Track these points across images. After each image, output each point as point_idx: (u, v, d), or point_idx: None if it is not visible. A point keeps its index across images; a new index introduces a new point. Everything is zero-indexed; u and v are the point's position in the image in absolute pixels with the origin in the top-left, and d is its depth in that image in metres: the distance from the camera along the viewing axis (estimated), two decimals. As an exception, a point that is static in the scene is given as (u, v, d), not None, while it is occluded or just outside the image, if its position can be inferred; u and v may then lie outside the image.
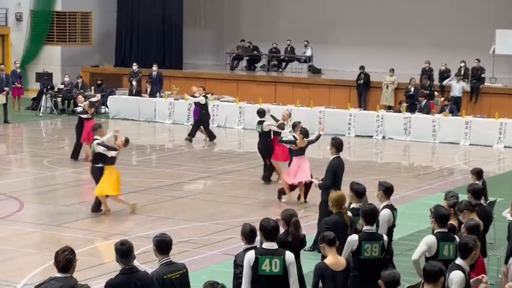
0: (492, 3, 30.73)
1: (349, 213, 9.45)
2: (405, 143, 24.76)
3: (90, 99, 21.16)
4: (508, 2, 30.36)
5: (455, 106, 25.90)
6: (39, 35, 34.39)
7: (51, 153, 21.72)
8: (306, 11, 33.96)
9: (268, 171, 17.85)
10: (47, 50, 34.41)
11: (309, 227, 12.55)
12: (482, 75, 27.94)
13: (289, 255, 7.74)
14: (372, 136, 25.39)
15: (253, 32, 34.65)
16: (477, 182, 11.57)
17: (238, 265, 7.87)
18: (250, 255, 7.67)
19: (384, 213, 9.67)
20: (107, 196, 15.08)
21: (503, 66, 29.06)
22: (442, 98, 26.53)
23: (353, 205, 9.84)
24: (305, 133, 15.90)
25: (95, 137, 15.33)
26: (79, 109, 20.61)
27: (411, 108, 26.02)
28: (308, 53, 32.99)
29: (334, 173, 12.29)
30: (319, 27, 33.47)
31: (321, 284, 8.19)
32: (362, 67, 29.04)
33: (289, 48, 33.23)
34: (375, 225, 8.98)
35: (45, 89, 29.77)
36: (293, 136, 16.14)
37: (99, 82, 30.40)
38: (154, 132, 26.81)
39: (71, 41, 34.91)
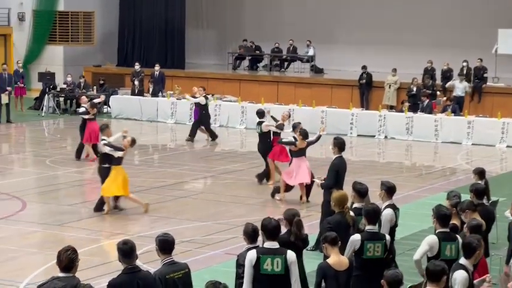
0: (495, 3, 30.69)
1: (352, 213, 9.45)
2: (407, 143, 24.75)
3: (93, 101, 21.22)
4: (510, 1, 30.33)
5: (457, 106, 25.89)
6: (42, 35, 34.41)
7: (54, 152, 21.73)
8: (308, 11, 33.95)
9: (265, 171, 17.82)
10: (50, 50, 34.43)
11: (311, 227, 12.55)
12: (485, 75, 27.92)
13: (290, 255, 7.75)
14: (374, 136, 25.38)
15: (255, 32, 34.65)
16: (479, 182, 11.56)
17: (240, 265, 7.87)
18: (252, 255, 7.67)
19: (386, 213, 9.67)
20: (117, 197, 15.07)
21: (505, 65, 29.02)
22: (445, 98, 26.52)
23: (355, 205, 9.84)
24: (304, 134, 15.92)
25: (102, 138, 15.32)
26: (81, 110, 20.67)
27: (413, 108, 26.01)
28: (310, 52, 32.98)
29: (337, 172, 12.30)
30: (321, 27, 33.46)
31: (323, 284, 8.20)
32: (364, 67, 29.03)
33: (291, 48, 33.22)
34: (377, 224, 8.98)
35: (47, 89, 29.80)
36: (293, 137, 16.15)
37: (102, 82, 30.43)
38: (156, 132, 26.82)
39: (73, 41, 34.94)
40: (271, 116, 18.66)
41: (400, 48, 31.78)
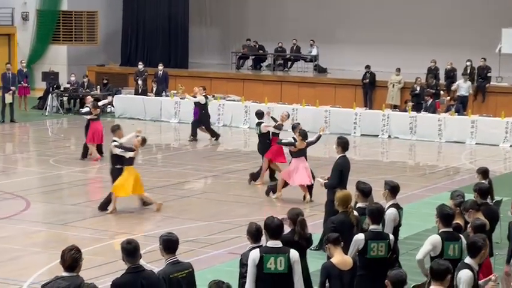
0: (498, 2, 30.67)
1: (355, 213, 9.45)
2: (411, 142, 24.74)
3: (99, 102, 21.38)
4: (514, 1, 30.34)
5: (461, 105, 25.87)
6: (45, 35, 34.45)
7: (58, 152, 21.76)
8: (311, 11, 33.95)
9: (259, 171, 17.83)
10: (53, 49, 34.47)
11: (315, 226, 12.53)
12: (488, 74, 27.90)
13: (293, 253, 7.75)
14: (378, 135, 25.37)
15: (259, 31, 34.66)
16: (483, 181, 11.54)
17: (244, 264, 7.88)
18: (255, 254, 7.68)
19: (390, 212, 9.66)
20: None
21: (509, 65, 28.99)
22: (448, 97, 26.50)
23: (359, 204, 9.83)
24: (304, 135, 15.95)
25: (113, 139, 15.35)
26: (84, 110, 20.78)
27: (417, 108, 25.99)
28: (314, 52, 32.98)
29: (340, 172, 12.29)
30: (325, 27, 33.45)
31: (327, 284, 8.20)
32: (368, 66, 29.02)
33: (295, 48, 33.22)
34: (380, 224, 8.98)
35: (51, 88, 29.82)
36: (292, 138, 16.17)
37: (105, 81, 30.45)
38: (160, 132, 26.83)
39: (77, 40, 34.97)
40: (271, 117, 18.68)
41: (404, 47, 31.76)
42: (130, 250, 7.12)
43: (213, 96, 26.40)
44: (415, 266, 8.66)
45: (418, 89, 27.18)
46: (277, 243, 7.77)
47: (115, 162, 15.19)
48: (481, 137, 24.20)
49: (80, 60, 33.84)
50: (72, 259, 6.78)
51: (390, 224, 9.59)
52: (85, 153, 20.44)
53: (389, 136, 25.33)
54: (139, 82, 29.09)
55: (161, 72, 29.33)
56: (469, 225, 9.01)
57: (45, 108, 29.16)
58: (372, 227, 8.73)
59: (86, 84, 29.66)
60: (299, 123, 17.12)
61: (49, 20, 34.38)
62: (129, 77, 31.73)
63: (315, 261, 9.52)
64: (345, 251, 8.47)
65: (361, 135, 25.46)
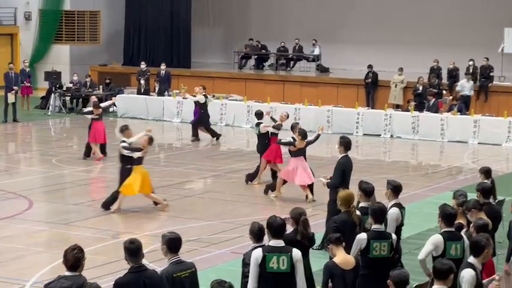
0: (501, 2, 30.64)
1: (358, 212, 9.45)
2: (413, 142, 24.73)
3: (102, 104, 21.49)
4: (517, 0, 30.31)
5: (463, 105, 25.85)
6: (48, 34, 34.47)
7: (60, 152, 21.78)
8: (314, 10, 33.94)
9: (257, 171, 17.84)
10: (56, 49, 34.50)
11: (317, 226, 12.53)
12: (491, 74, 27.88)
13: (296, 252, 7.76)
14: (380, 135, 25.37)
15: (261, 31, 34.66)
16: (486, 181, 11.53)
17: (246, 264, 7.88)
18: (258, 253, 7.68)
19: (392, 212, 9.66)
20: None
21: (512, 64, 29.02)
22: (451, 97, 26.48)
23: (361, 204, 9.83)
24: (303, 134, 15.98)
25: (122, 139, 15.38)
26: (86, 109, 20.88)
27: (419, 107, 25.99)
28: (316, 51, 32.98)
29: (343, 171, 12.30)
30: (327, 26, 33.44)
31: (330, 284, 8.20)
32: (370, 66, 29.01)
33: (297, 47, 33.22)
34: (383, 224, 8.98)
35: (53, 88, 29.85)
36: (292, 137, 16.19)
37: (108, 81, 30.48)
38: (162, 131, 26.83)
39: (79, 40, 35.00)
40: (271, 117, 18.69)
41: (406, 47, 31.75)
42: (133, 250, 7.13)
43: (213, 95, 26.39)
44: (417, 265, 8.67)
45: (421, 88, 27.17)
46: (280, 243, 7.78)
47: (124, 162, 15.24)
48: (484, 137, 24.18)
49: (83, 59, 33.86)
50: (74, 258, 6.79)
51: (392, 223, 9.60)
52: (87, 152, 20.48)
53: (391, 136, 25.32)
54: (142, 82, 29.10)
55: (163, 72, 29.33)
56: (471, 225, 9.01)
57: (48, 108, 29.19)
58: (375, 226, 8.73)
59: (88, 83, 29.69)
60: (298, 123, 17.17)
61: (52, 19, 34.41)
62: (132, 76, 31.75)
63: (318, 261, 9.53)
64: (348, 250, 8.47)
65: (364, 134, 25.45)
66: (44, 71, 32.05)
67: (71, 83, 30.20)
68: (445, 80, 28.32)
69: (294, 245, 7.95)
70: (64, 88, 30.15)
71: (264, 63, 34.12)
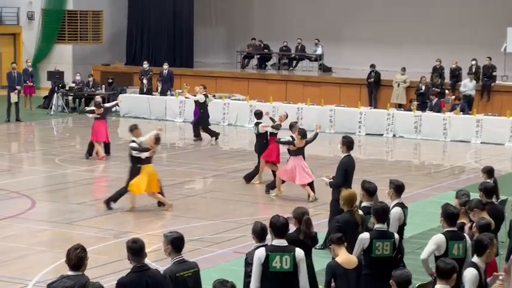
0: (503, 1, 30.63)
1: (360, 212, 9.45)
2: (416, 141, 24.72)
3: (106, 104, 21.58)
4: (519, -1, 30.29)
5: (466, 104, 25.84)
6: (51, 34, 34.50)
7: (63, 151, 21.80)
8: (316, 10, 33.93)
9: (255, 172, 17.86)
10: (59, 49, 34.53)
11: (320, 225, 12.53)
12: (494, 73, 27.86)
13: (299, 252, 7.76)
14: (383, 134, 25.36)
15: (264, 31, 34.66)
16: (488, 180, 11.53)
17: (249, 263, 7.88)
18: (261, 253, 7.69)
19: (395, 212, 9.66)
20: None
21: (514, 64, 28.98)
22: (453, 96, 26.47)
23: (364, 203, 9.83)
24: (303, 134, 16.01)
25: (132, 138, 15.42)
26: (89, 108, 20.95)
27: (422, 107, 25.97)
28: (319, 51, 32.97)
29: (345, 171, 12.30)
30: (329, 26, 33.44)
31: (333, 283, 8.20)
32: (373, 65, 28.99)
33: (299, 47, 33.22)
34: (386, 223, 8.98)
35: (56, 88, 29.88)
36: (290, 136, 16.20)
37: (110, 80, 30.49)
38: (165, 131, 26.75)
39: (82, 40, 35.02)
40: (270, 118, 18.69)
41: (409, 46, 31.74)
42: (136, 249, 7.13)
43: (214, 95, 26.39)
44: (420, 265, 8.66)
45: (423, 88, 27.15)
46: (283, 242, 7.78)
47: (134, 162, 15.28)
48: (486, 136, 24.17)
49: (85, 59, 33.89)
50: (77, 258, 6.80)
51: (395, 223, 9.60)
52: (90, 151, 20.50)
53: (394, 135, 25.32)
54: (144, 81, 29.11)
55: (166, 72, 29.34)
56: (474, 225, 9.00)
57: (51, 108, 29.22)
58: (377, 226, 8.73)
59: (91, 83, 29.71)
60: (296, 122, 17.21)
61: (54, 19, 34.44)
62: (134, 76, 31.77)
63: (320, 260, 9.53)
64: (350, 250, 8.47)
65: (366, 134, 25.44)
66: (46, 71, 32.08)
67: (73, 82, 30.21)
68: (447, 80, 28.31)
69: (296, 245, 7.95)
70: (67, 88, 30.16)
71: (267, 63, 34.12)
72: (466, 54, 28.58)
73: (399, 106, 27.69)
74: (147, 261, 7.32)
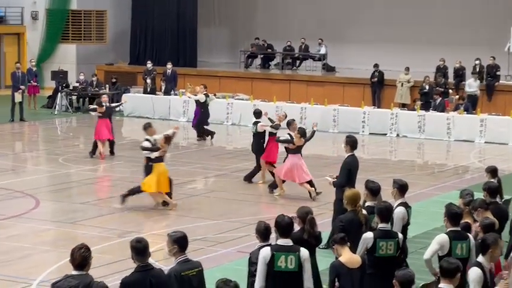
0: (507, 1, 30.58)
1: (364, 211, 9.46)
2: (419, 141, 24.71)
3: (112, 104, 21.67)
4: (523, -1, 30.25)
5: (470, 104, 25.82)
6: (55, 34, 34.54)
7: (67, 151, 21.82)
8: (320, 9, 33.93)
9: (254, 171, 17.87)
10: (62, 49, 34.56)
11: (324, 225, 12.53)
12: (497, 73, 27.84)
13: (304, 252, 7.77)
14: (386, 134, 25.35)
15: (267, 30, 34.66)
16: (492, 180, 11.52)
17: (253, 263, 7.89)
18: (266, 252, 7.69)
19: (398, 211, 9.66)
20: (169, 194, 15.31)
21: (518, 64, 28.95)
22: (457, 96, 26.45)
23: (368, 203, 9.84)
24: (303, 133, 16.05)
25: (145, 137, 15.50)
26: (92, 106, 21.06)
27: (426, 106, 25.97)
28: (322, 51, 32.97)
29: (349, 171, 12.30)
30: (333, 26, 33.43)
31: (337, 283, 8.20)
32: (376, 65, 28.99)
33: (303, 47, 33.22)
34: (389, 223, 8.98)
35: (60, 87, 29.91)
36: (289, 135, 16.21)
37: (114, 80, 30.52)
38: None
39: (86, 40, 35.06)
40: (268, 118, 18.69)
41: (412, 46, 31.71)
42: (140, 249, 7.14)
43: (214, 94, 26.38)
44: (423, 265, 8.66)
45: (427, 87, 27.14)
46: (288, 242, 7.79)
47: (146, 160, 15.41)
48: (490, 136, 24.15)
49: (89, 59, 33.92)
50: (81, 257, 6.81)
51: (399, 222, 9.60)
52: (94, 150, 20.55)
53: (397, 135, 25.30)
54: (148, 81, 29.13)
55: (170, 71, 29.36)
56: (478, 225, 9.00)
57: (55, 107, 29.25)
58: (381, 225, 8.74)
59: (94, 83, 29.75)
60: (294, 120, 17.19)
61: (58, 19, 34.47)
62: (138, 75, 31.79)
63: (324, 260, 9.53)
64: (354, 249, 8.47)
65: (370, 134, 25.44)
66: (50, 71, 32.12)
67: (77, 82, 30.25)
68: (451, 79, 28.29)
69: (300, 244, 7.96)
70: (70, 87, 30.20)
71: (270, 63, 34.13)
72: (470, 54, 28.57)
73: (403, 106, 27.67)
74: (151, 260, 7.33)
